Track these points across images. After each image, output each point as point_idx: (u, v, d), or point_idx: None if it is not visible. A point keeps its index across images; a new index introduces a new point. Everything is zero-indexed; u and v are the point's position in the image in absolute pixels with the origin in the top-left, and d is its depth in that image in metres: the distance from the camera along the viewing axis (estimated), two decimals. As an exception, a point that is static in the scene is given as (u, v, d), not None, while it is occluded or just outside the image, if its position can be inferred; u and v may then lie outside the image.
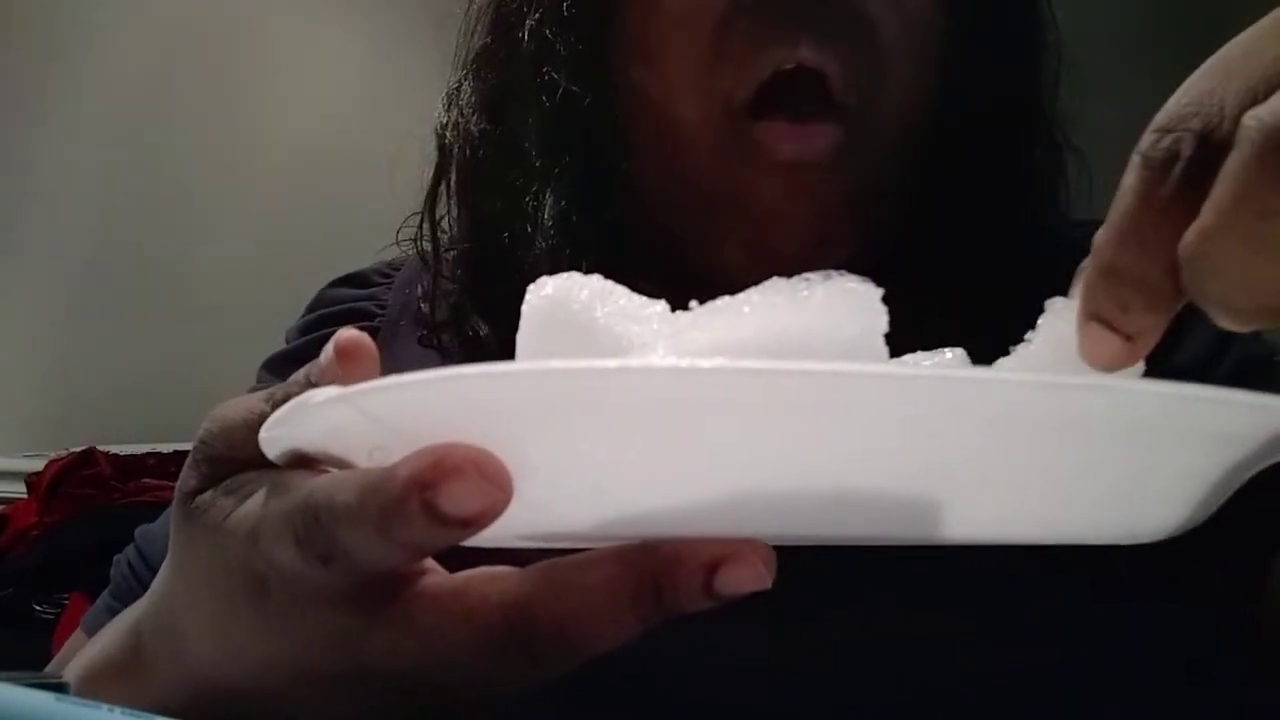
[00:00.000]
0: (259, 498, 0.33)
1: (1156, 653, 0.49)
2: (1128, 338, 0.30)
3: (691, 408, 0.26)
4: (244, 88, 2.72)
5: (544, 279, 0.31)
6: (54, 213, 2.71)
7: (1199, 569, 0.50)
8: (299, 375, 0.36)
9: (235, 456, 0.35)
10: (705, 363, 0.25)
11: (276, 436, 0.33)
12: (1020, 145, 0.59)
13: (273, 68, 2.75)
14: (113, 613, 0.52)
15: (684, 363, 0.25)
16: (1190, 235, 0.28)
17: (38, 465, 2.22)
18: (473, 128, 0.61)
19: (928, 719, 0.48)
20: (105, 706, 0.26)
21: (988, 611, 0.49)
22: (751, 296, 0.30)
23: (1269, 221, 0.27)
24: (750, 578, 0.29)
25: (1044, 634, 0.49)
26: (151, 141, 2.69)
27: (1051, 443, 0.27)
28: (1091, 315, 0.31)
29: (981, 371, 0.25)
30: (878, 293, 0.29)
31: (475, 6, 0.64)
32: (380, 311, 0.64)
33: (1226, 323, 0.29)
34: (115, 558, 0.63)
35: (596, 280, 0.31)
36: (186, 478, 0.36)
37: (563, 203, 0.56)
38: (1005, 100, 0.58)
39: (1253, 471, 0.30)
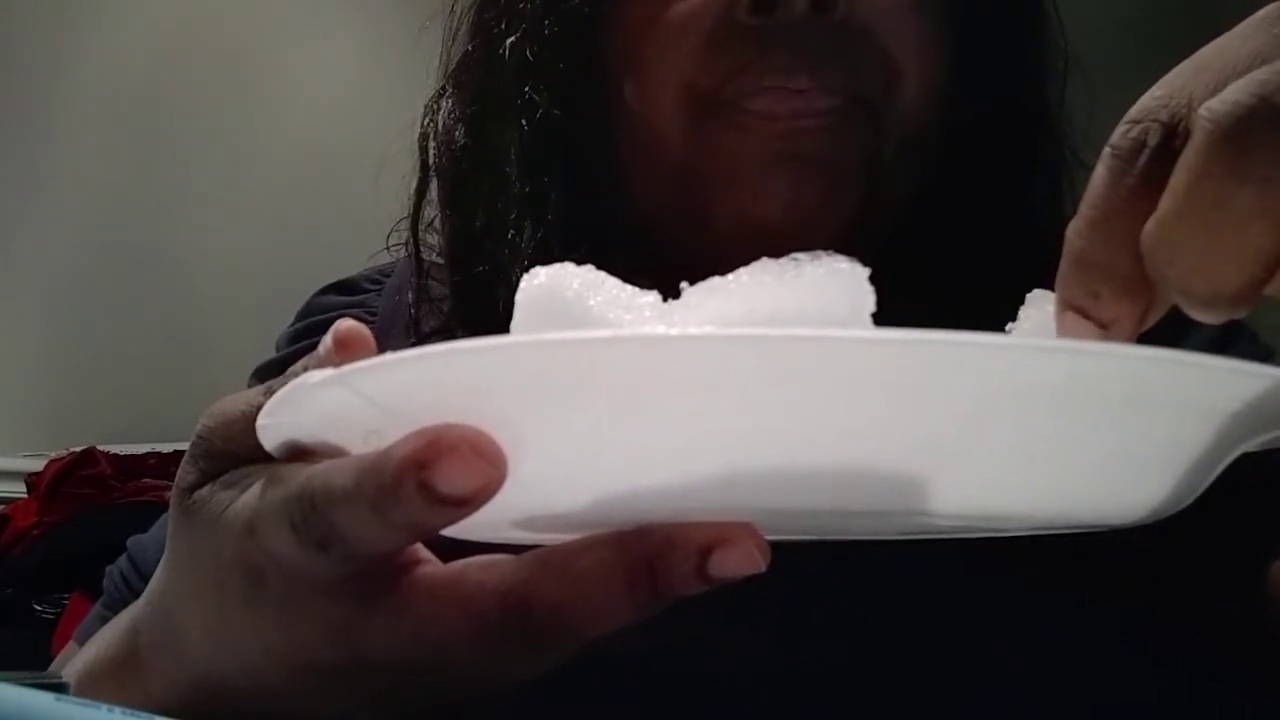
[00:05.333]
0: (256, 489, 0.33)
1: (1154, 652, 0.49)
2: (1102, 325, 0.31)
3: (683, 375, 0.26)
4: (244, 88, 2.72)
5: (537, 269, 0.31)
6: (54, 213, 2.71)
7: (1196, 568, 0.50)
8: (297, 367, 0.36)
9: (233, 451, 0.35)
10: (696, 330, 0.25)
11: (273, 424, 0.33)
12: (1024, 145, 0.59)
13: (274, 68, 2.75)
14: (105, 623, 0.52)
15: (674, 331, 0.25)
16: (1150, 223, 0.29)
17: (38, 465, 2.22)
18: (454, 139, 0.60)
19: (921, 716, 0.48)
20: (105, 706, 0.26)
21: (979, 612, 0.49)
22: (740, 277, 0.30)
23: (1222, 208, 0.28)
24: (743, 561, 0.29)
25: (1041, 633, 0.49)
26: (153, 141, 2.69)
27: (1039, 409, 0.27)
28: (1066, 304, 0.31)
29: (971, 336, 0.25)
30: (865, 272, 0.30)
31: (456, 12, 0.63)
32: (371, 319, 0.64)
33: (1191, 311, 0.29)
34: (108, 568, 0.63)
35: (589, 271, 0.31)
36: (184, 473, 0.36)
37: (548, 217, 0.56)
38: (1009, 100, 0.58)
39: (1236, 451, 0.30)
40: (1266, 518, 0.50)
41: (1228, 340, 0.58)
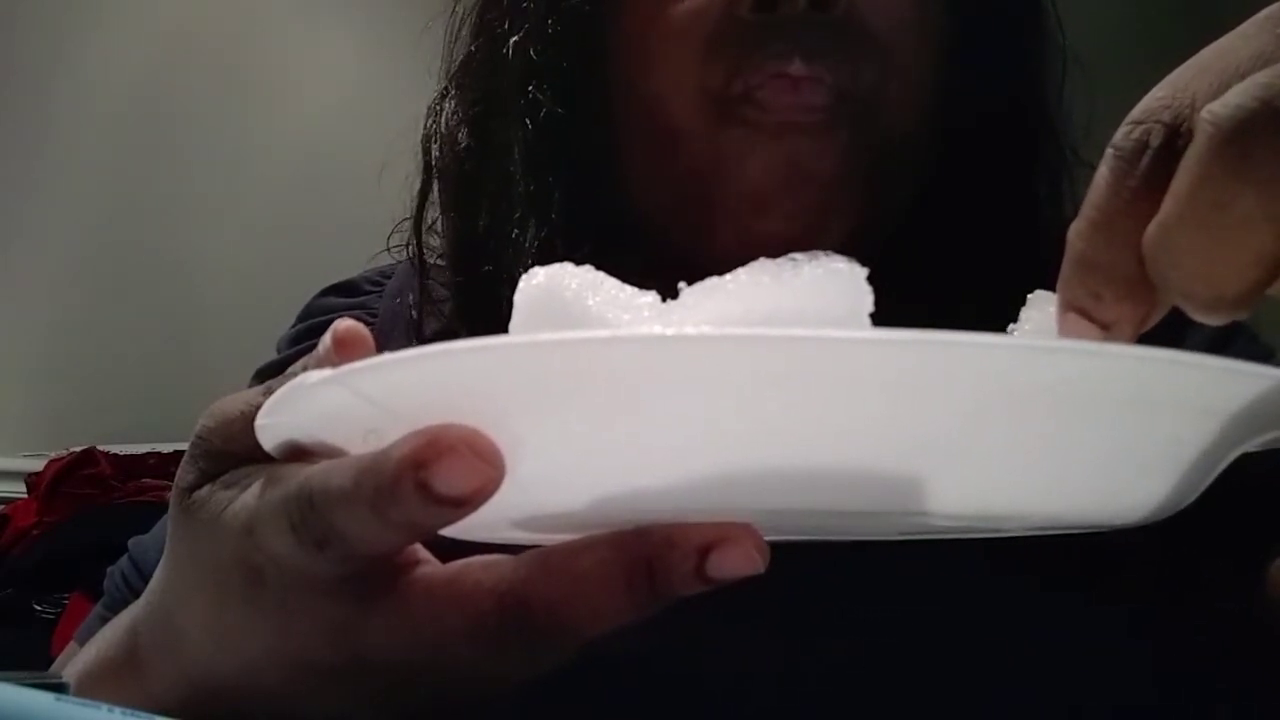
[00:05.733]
0: (255, 489, 0.33)
1: (1155, 653, 0.49)
2: (1104, 327, 0.31)
3: (681, 375, 0.26)
4: (245, 88, 2.72)
5: (535, 269, 0.31)
6: (54, 213, 2.71)
7: (1196, 569, 0.50)
8: (296, 367, 0.36)
9: (233, 451, 0.35)
10: (693, 330, 0.25)
11: (272, 424, 0.33)
12: (1023, 146, 0.59)
13: (274, 69, 2.75)
14: (106, 624, 0.52)
15: (671, 331, 0.25)
16: (1152, 227, 0.29)
17: (38, 465, 2.22)
18: (458, 140, 0.61)
19: (921, 716, 0.48)
20: (105, 706, 0.26)
21: (979, 613, 0.49)
22: (739, 277, 0.30)
23: (1224, 212, 0.28)
24: (742, 561, 0.30)
25: (1042, 634, 0.49)
26: (153, 141, 2.69)
27: (1038, 409, 0.27)
28: (1068, 306, 0.31)
29: (970, 336, 0.25)
30: (863, 273, 0.30)
31: (458, 13, 0.63)
32: (371, 320, 0.64)
33: (1193, 313, 0.29)
34: (108, 569, 0.63)
35: (587, 271, 0.32)
36: (184, 473, 0.36)
37: (551, 217, 0.56)
38: (1008, 100, 0.58)
39: (1236, 451, 0.30)
40: (1266, 518, 0.50)
41: (1227, 340, 0.58)
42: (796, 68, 0.52)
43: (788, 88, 0.52)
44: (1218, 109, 0.28)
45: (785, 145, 0.52)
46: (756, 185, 0.53)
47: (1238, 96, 0.28)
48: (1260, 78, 0.28)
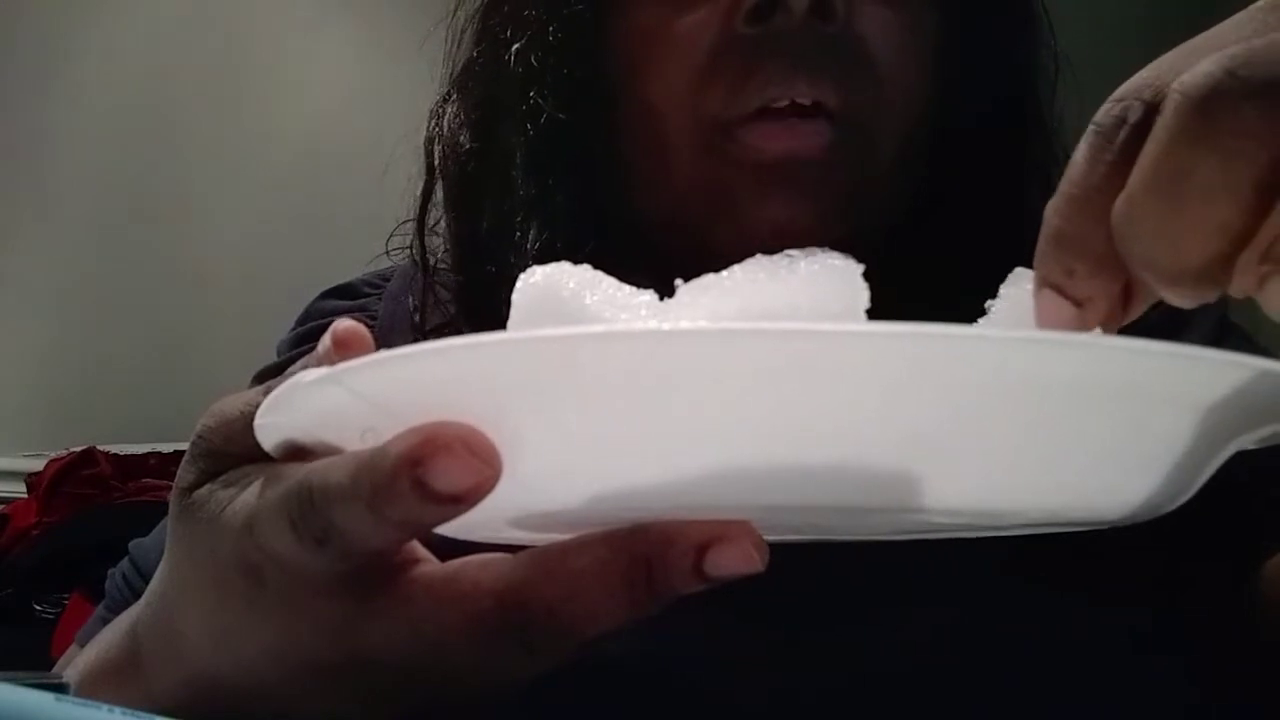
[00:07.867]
0: (255, 488, 0.33)
1: (1153, 656, 0.49)
2: (1078, 303, 0.31)
3: (677, 371, 0.26)
4: (246, 87, 2.73)
5: (534, 268, 0.32)
6: (54, 213, 2.71)
7: (1195, 566, 0.50)
8: (296, 368, 0.36)
9: (232, 451, 0.35)
10: (689, 325, 0.26)
11: (271, 424, 0.33)
12: (1015, 150, 0.59)
13: (275, 67, 2.76)
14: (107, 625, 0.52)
15: (667, 326, 0.26)
16: (1119, 198, 0.29)
17: (38, 465, 2.22)
18: (460, 143, 0.61)
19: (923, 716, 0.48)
20: (105, 707, 0.26)
21: (980, 613, 0.49)
22: (734, 273, 0.30)
23: (1185, 180, 0.28)
24: (740, 560, 0.29)
25: (1040, 636, 0.49)
26: (153, 140, 2.70)
27: (1032, 401, 0.27)
28: (1044, 282, 0.31)
29: (964, 329, 0.25)
30: (859, 268, 0.30)
31: (459, 18, 0.63)
32: (371, 323, 0.64)
33: (1159, 288, 0.29)
34: (109, 571, 0.63)
35: (585, 270, 0.32)
36: (184, 473, 0.36)
37: (552, 222, 0.56)
38: (1000, 103, 0.58)
39: (1231, 447, 0.30)
40: (1263, 515, 0.50)
41: (1221, 339, 0.58)
42: (800, 89, 0.52)
43: (784, 134, 0.52)
44: (1186, 79, 0.28)
45: (780, 171, 0.52)
46: (749, 203, 0.53)
47: (1206, 65, 0.28)
48: (1230, 49, 0.28)
